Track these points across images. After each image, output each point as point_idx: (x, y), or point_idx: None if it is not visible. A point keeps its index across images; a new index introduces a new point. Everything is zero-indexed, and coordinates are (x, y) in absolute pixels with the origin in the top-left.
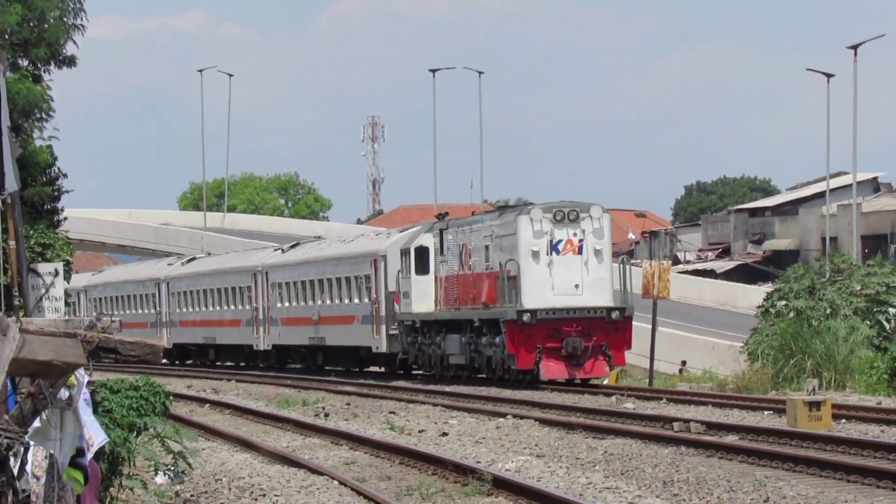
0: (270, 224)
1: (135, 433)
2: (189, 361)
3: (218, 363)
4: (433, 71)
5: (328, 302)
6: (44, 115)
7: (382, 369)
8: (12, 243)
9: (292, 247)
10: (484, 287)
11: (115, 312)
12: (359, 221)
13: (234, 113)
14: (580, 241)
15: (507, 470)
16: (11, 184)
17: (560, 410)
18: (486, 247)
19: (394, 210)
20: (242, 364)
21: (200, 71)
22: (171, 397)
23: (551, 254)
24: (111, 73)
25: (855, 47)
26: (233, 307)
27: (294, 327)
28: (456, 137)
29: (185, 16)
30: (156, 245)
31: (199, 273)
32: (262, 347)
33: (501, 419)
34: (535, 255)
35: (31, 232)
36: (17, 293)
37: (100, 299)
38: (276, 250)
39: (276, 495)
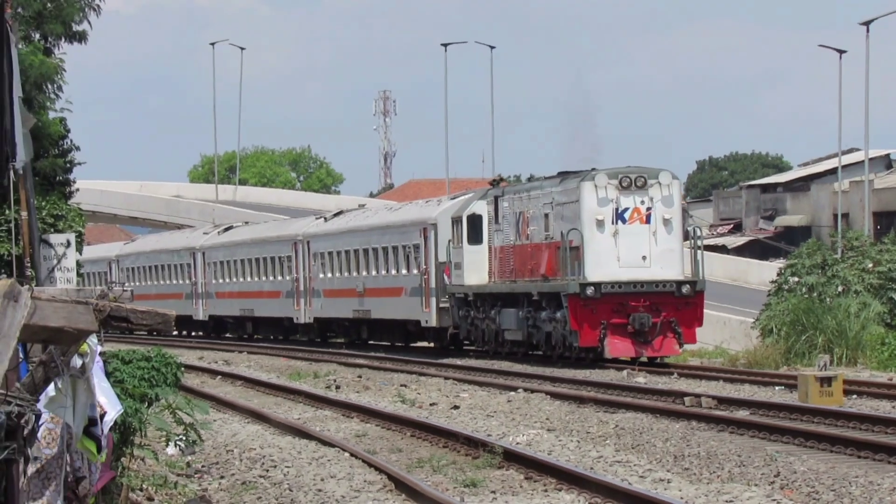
0: (282, 197)
1: (146, 404)
2: (226, 334)
3: (256, 336)
4: (445, 45)
5: (374, 273)
6: (57, 88)
7: (432, 345)
8: (24, 214)
9: (335, 215)
10: (543, 258)
11: (149, 283)
12: (370, 195)
13: (245, 86)
14: (648, 209)
15: (517, 443)
16: (23, 155)
17: (571, 384)
18: (546, 215)
19: (405, 184)
20: (281, 338)
21: (212, 44)
22: (183, 368)
23: (617, 223)
24: (123, 46)
25: (867, 24)
26: (272, 278)
27: (337, 299)
28: (468, 112)
29: None
30: (167, 217)
31: (236, 242)
32: (302, 320)
33: (513, 392)
34: (600, 224)
35: (44, 203)
36: (29, 264)
37: (132, 269)
38: (318, 218)
39: (287, 466)
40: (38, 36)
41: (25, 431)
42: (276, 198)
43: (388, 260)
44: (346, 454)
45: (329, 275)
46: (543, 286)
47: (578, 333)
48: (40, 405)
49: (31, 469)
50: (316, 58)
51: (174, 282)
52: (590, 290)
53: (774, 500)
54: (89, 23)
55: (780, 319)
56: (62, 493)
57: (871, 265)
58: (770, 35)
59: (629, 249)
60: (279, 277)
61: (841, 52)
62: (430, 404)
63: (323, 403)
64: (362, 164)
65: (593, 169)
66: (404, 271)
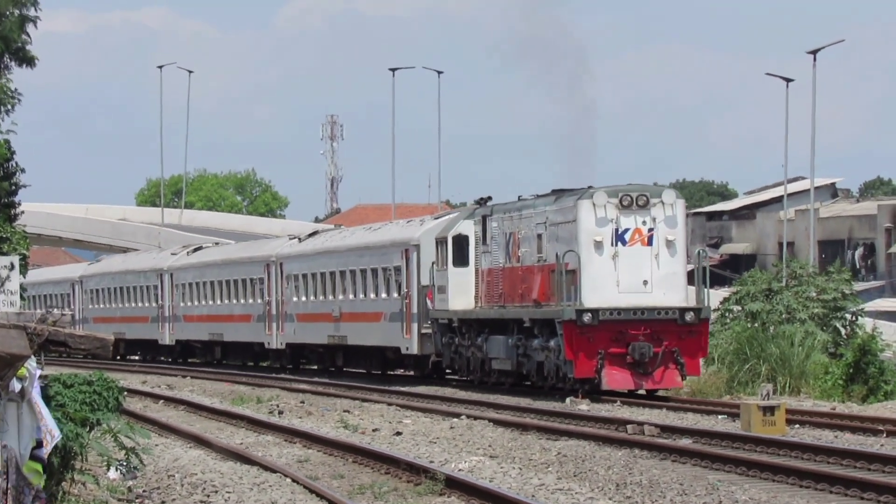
0: (228, 221)
1: (87, 428)
2: (193, 359)
3: (224, 362)
4: (393, 70)
5: (351, 297)
6: (6, 112)
7: (412, 373)
8: None
9: (310, 235)
10: (536, 282)
11: (114, 305)
12: (316, 220)
13: (192, 109)
14: (650, 230)
15: (460, 470)
16: None
17: (513, 411)
18: (539, 235)
19: (351, 209)
20: (251, 363)
21: (160, 67)
22: (125, 393)
23: (616, 245)
24: (70, 67)
25: (814, 52)
26: (242, 301)
27: (311, 324)
28: (415, 137)
29: (146, 11)
30: (112, 240)
31: (205, 263)
32: (274, 346)
33: (455, 419)
34: (598, 245)
35: None
36: None
37: (97, 290)
38: (291, 239)
39: (228, 492)
40: None
41: None
42: (221, 221)
43: (367, 283)
44: (288, 480)
45: (303, 298)
46: (536, 312)
47: (574, 363)
48: None
49: None
50: (263, 81)
51: (140, 304)
52: (587, 317)
53: None
54: (29, 36)
55: (723, 348)
56: None
57: (815, 293)
58: (719, 61)
59: (629, 273)
60: (250, 301)
61: (788, 80)
62: (373, 430)
63: (265, 429)
64: (308, 188)
65: (590, 187)
66: (384, 295)
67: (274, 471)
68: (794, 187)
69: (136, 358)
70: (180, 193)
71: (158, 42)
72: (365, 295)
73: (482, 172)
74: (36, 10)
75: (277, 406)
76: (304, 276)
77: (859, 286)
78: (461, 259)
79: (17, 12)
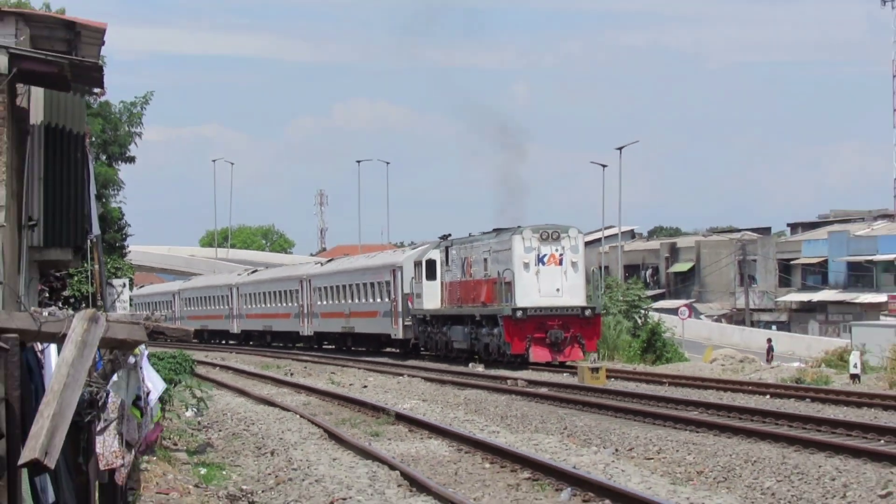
0: (257, 256)
1: (173, 385)
2: (251, 342)
3: (273, 344)
4: (359, 161)
5: (357, 301)
6: (116, 189)
7: (398, 350)
8: (96, 266)
9: (329, 261)
10: (483, 290)
11: (201, 308)
12: (311, 254)
13: (235, 186)
14: (560, 255)
15: (404, 408)
16: (96, 229)
17: (437, 372)
18: (485, 259)
19: (334, 248)
20: (290, 345)
21: (214, 160)
22: (195, 362)
23: (538, 265)
24: (158, 163)
25: (620, 148)
26: (284, 304)
27: (330, 319)
28: (375, 198)
29: (204, 126)
30: (186, 269)
31: (259, 281)
32: (305, 333)
33: (401, 377)
34: (526, 265)
35: (108, 260)
36: (100, 299)
37: (189, 298)
38: (316, 264)
39: (261, 424)
40: (104, 156)
41: (100, 403)
42: (252, 256)
43: (367, 292)
44: (298, 416)
45: (325, 302)
46: (484, 310)
47: (511, 344)
48: (108, 387)
49: (100, 426)
50: (279, 169)
51: (217, 307)
52: (519, 313)
53: (563, 443)
54: (136, 144)
55: None
56: (121, 441)
57: (621, 297)
58: (558, 154)
59: (547, 284)
60: (289, 304)
61: (604, 166)
62: (349, 384)
63: (282, 384)
64: (306, 234)
65: (519, 227)
66: (379, 299)
67: (288, 410)
68: (608, 232)
69: (214, 342)
70: (227, 238)
71: (213, 145)
72: (366, 300)
73: (417, 222)
74: (141, 128)
75: (290, 370)
76: (326, 287)
77: (649, 292)
78: (431, 275)
79: (129, 129)
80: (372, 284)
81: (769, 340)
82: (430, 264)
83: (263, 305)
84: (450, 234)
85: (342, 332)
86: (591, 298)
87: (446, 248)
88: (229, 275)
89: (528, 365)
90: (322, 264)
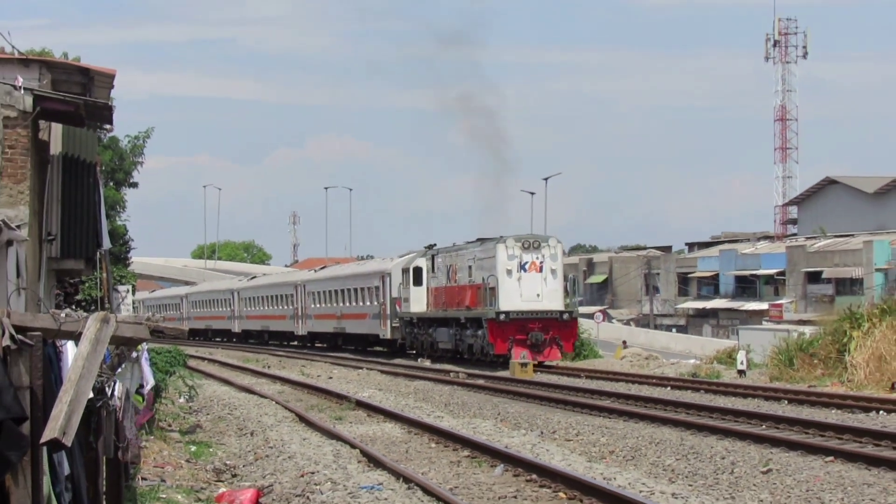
0: (240, 266)
1: (168, 375)
2: (251, 341)
3: (270, 342)
4: (326, 187)
5: (347, 304)
6: (121, 209)
7: (385, 349)
8: (104, 275)
9: (321, 268)
10: (467, 295)
11: (205, 310)
12: (286, 266)
13: (222, 207)
14: (541, 262)
15: (363, 396)
16: (107, 243)
17: (391, 366)
18: (470, 266)
19: (305, 260)
20: (285, 343)
21: (204, 186)
22: (187, 357)
23: (520, 271)
24: (158, 187)
25: (546, 179)
26: (281, 307)
27: (323, 320)
28: (340, 217)
29: (196, 157)
30: (180, 277)
31: (258, 286)
32: (300, 333)
33: (361, 370)
34: (509, 272)
35: (115, 269)
36: (107, 302)
37: (195, 301)
38: (310, 271)
39: (242, 409)
40: (112, 182)
41: (108, 391)
42: (236, 266)
43: (358, 296)
44: (274, 402)
45: (318, 305)
46: (469, 313)
47: (494, 345)
48: (115, 377)
49: (105, 412)
50: (260, 193)
51: (221, 309)
52: (502, 317)
53: (497, 426)
54: (139, 171)
55: None
56: (131, 424)
57: None
58: (496, 182)
59: (528, 289)
60: (285, 307)
61: (532, 193)
62: (317, 376)
63: (261, 375)
64: (282, 249)
65: (502, 237)
66: (369, 303)
67: (266, 397)
68: None
69: (218, 339)
70: (215, 251)
71: (204, 173)
72: (356, 303)
73: (376, 238)
74: (143, 158)
75: (267, 364)
76: (319, 292)
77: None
78: (418, 281)
79: (133, 159)
80: (362, 289)
81: (624, 342)
82: (417, 271)
83: (262, 308)
84: (435, 244)
85: (334, 333)
86: (568, 303)
87: (432, 257)
88: (231, 280)
89: (509, 365)
90: (316, 271)
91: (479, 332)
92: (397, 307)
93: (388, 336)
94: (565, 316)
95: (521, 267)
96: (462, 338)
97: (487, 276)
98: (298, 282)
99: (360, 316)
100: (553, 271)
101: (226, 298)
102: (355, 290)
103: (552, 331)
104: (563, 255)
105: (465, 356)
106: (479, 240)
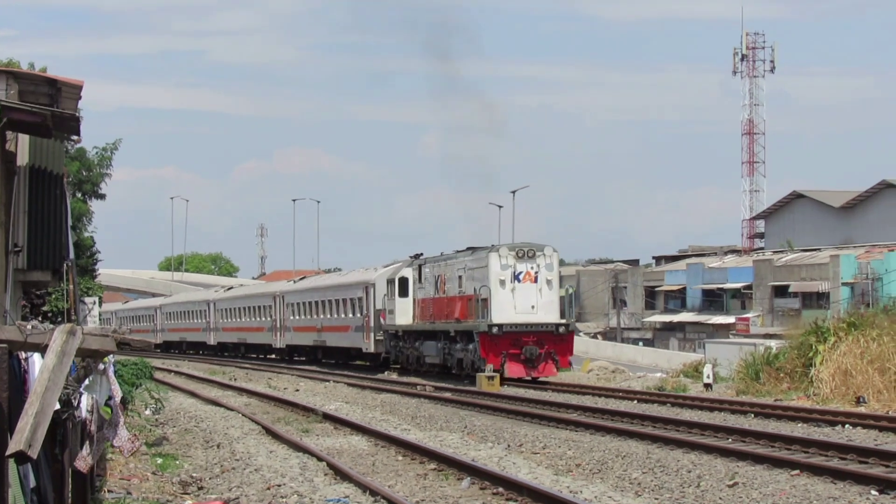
0: (207, 279)
1: (135, 387)
2: (226, 354)
3: (247, 355)
4: (294, 200)
5: (328, 316)
6: (88, 221)
7: (368, 364)
8: (71, 286)
9: (301, 279)
10: (457, 307)
11: (180, 322)
12: (253, 278)
13: (189, 219)
14: (536, 272)
15: (330, 409)
16: (71, 255)
17: (358, 378)
18: (460, 276)
19: (272, 272)
20: (262, 356)
21: (172, 198)
22: (154, 369)
23: (514, 282)
24: (125, 199)
25: (514, 192)
26: (259, 319)
27: (302, 332)
28: (307, 230)
29: (165, 168)
30: (147, 289)
31: (235, 297)
32: (278, 346)
33: (328, 383)
34: (502, 282)
35: (81, 281)
36: (74, 314)
37: (169, 313)
38: (289, 281)
39: (209, 421)
40: (79, 193)
41: (74, 403)
42: (203, 279)
43: (339, 308)
44: (240, 415)
45: (297, 317)
46: (459, 326)
47: (486, 360)
48: (82, 389)
49: (71, 424)
50: (226, 206)
51: (196, 321)
52: (495, 330)
53: (464, 439)
54: (106, 183)
55: None
56: (94, 437)
57: None
58: (466, 194)
59: (522, 301)
60: (263, 318)
61: (500, 206)
62: (284, 388)
63: (227, 388)
64: (249, 261)
65: (494, 245)
66: (351, 315)
67: (232, 409)
68: None
69: (191, 352)
70: (182, 263)
71: (171, 185)
72: (338, 315)
73: (343, 251)
74: (110, 169)
75: (234, 376)
76: (298, 303)
77: None
78: (404, 292)
79: (100, 170)
80: (344, 301)
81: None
82: (403, 282)
83: (238, 320)
84: (421, 253)
85: (314, 346)
86: (564, 315)
87: (419, 267)
88: (207, 291)
89: (502, 380)
90: (295, 282)
91: (471, 346)
92: (381, 319)
93: (372, 350)
94: (561, 329)
95: (515, 277)
96: (451, 352)
97: (479, 287)
98: (277, 292)
99: (343, 328)
100: (549, 282)
101: (201, 310)
102: (337, 301)
103: (547, 345)
104: (558, 265)
105: (455, 371)
106: (469, 248)
